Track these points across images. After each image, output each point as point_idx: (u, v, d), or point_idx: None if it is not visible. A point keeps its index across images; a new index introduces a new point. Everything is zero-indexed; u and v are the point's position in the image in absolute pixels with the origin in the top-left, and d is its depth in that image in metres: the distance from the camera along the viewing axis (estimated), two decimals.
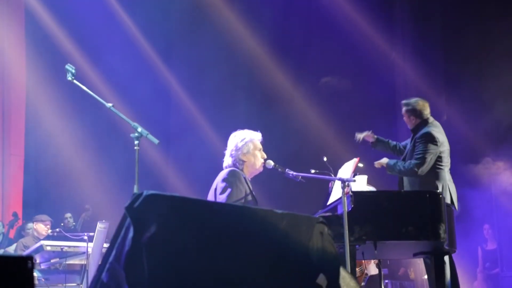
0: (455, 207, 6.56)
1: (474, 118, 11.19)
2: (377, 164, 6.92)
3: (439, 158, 6.69)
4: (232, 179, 5.18)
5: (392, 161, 6.81)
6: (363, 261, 7.82)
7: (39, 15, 12.08)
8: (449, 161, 6.83)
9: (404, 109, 7.05)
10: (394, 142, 7.29)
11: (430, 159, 6.62)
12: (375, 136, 7.25)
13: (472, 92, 11.39)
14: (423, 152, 6.63)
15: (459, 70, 11.83)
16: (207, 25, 12.56)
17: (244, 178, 5.28)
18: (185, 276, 2.74)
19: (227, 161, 5.46)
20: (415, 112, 6.94)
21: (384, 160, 6.88)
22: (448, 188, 6.64)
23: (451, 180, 6.79)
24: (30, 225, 9.97)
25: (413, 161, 6.63)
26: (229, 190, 5.11)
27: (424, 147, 6.65)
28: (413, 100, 7.06)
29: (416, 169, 6.59)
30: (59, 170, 12.42)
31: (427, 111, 6.96)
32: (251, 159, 5.42)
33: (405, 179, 6.88)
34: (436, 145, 6.66)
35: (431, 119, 6.93)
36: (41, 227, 9.57)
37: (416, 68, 12.26)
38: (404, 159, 6.88)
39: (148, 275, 2.59)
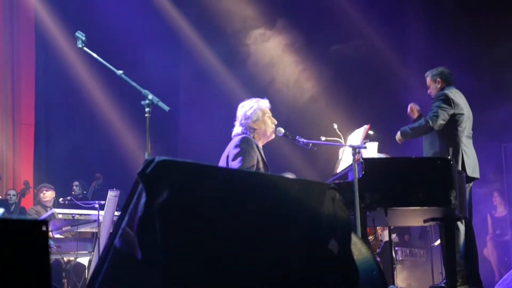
0: (467, 173, 6.55)
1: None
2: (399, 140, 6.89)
3: (455, 121, 6.67)
4: (244, 145, 5.19)
5: (403, 128, 6.81)
6: (378, 228, 7.84)
7: None
8: (468, 127, 6.78)
9: (430, 75, 7.02)
10: None
11: (444, 116, 6.60)
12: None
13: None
14: (437, 107, 6.64)
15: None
16: None
17: (256, 145, 5.28)
18: (198, 240, 2.76)
19: (237, 130, 5.47)
20: (442, 75, 6.94)
21: (398, 134, 6.86)
22: (461, 152, 6.61)
23: (470, 147, 6.74)
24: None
25: (427, 117, 6.63)
26: (241, 157, 5.12)
27: (438, 104, 6.66)
28: (439, 67, 7.05)
29: (430, 123, 6.58)
30: (69, 139, 12.47)
31: (452, 78, 6.97)
32: (261, 126, 5.42)
33: (425, 141, 6.86)
34: (450, 105, 6.65)
35: (453, 87, 6.92)
36: (43, 195, 9.72)
37: (427, 31, 12.17)
38: None
39: (161, 240, 2.60)
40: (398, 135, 6.83)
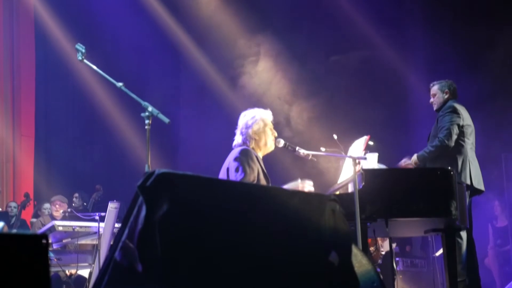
0: (474, 187, 6.57)
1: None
2: (410, 165, 6.86)
3: (462, 133, 6.69)
4: (244, 158, 5.15)
5: (419, 153, 6.78)
6: (379, 239, 7.82)
7: None
8: (473, 141, 6.81)
9: (436, 86, 7.05)
10: None
11: (456, 130, 6.64)
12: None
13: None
14: (448, 122, 6.67)
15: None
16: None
17: (256, 156, 5.25)
18: (198, 253, 2.75)
19: (237, 139, 5.44)
20: (451, 87, 6.99)
21: (414, 157, 6.83)
22: (468, 165, 6.63)
23: (475, 159, 6.76)
24: (46, 205, 10.05)
25: (440, 136, 6.64)
26: (241, 169, 5.09)
27: (448, 118, 6.70)
28: (447, 80, 7.10)
29: (446, 142, 6.59)
30: (69, 150, 12.47)
31: (457, 93, 7.02)
32: (262, 137, 5.39)
33: None
34: (459, 116, 6.69)
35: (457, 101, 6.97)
36: (57, 208, 9.70)
37: (427, 36, 12.18)
38: (428, 139, 6.90)
39: (161, 252, 2.60)
40: (414, 159, 6.79)
